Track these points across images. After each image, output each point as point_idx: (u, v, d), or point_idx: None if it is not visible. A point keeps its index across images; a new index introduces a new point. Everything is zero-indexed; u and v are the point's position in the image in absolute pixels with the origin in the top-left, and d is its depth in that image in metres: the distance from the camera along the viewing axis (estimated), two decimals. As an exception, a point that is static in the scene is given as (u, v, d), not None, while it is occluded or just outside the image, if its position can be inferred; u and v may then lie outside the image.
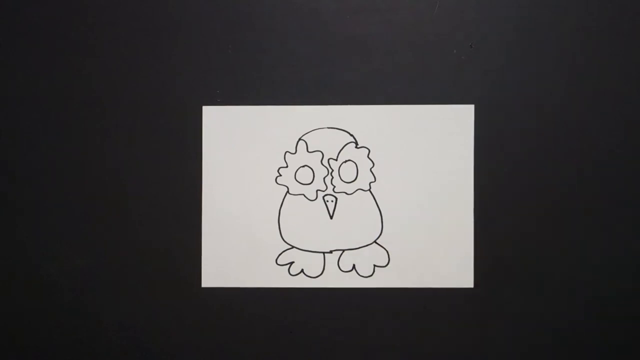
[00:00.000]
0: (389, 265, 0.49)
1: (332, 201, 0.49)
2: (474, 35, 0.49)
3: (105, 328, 0.50)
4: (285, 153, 0.49)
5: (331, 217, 0.49)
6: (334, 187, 0.49)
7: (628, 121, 0.48)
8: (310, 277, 0.49)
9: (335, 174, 0.49)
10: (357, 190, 0.49)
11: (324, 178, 0.49)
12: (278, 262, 0.50)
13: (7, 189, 0.50)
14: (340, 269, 0.49)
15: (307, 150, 0.49)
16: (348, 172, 0.49)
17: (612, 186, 0.48)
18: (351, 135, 0.49)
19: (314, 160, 0.49)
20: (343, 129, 0.49)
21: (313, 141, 0.49)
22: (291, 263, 0.49)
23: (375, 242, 0.49)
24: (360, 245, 0.49)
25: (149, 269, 0.50)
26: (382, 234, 0.49)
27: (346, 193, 0.49)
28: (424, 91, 0.49)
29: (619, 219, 0.48)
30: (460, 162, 0.49)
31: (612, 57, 0.48)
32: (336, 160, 0.49)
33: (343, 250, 0.49)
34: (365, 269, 0.49)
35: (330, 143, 0.49)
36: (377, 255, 0.49)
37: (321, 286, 0.49)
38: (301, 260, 0.49)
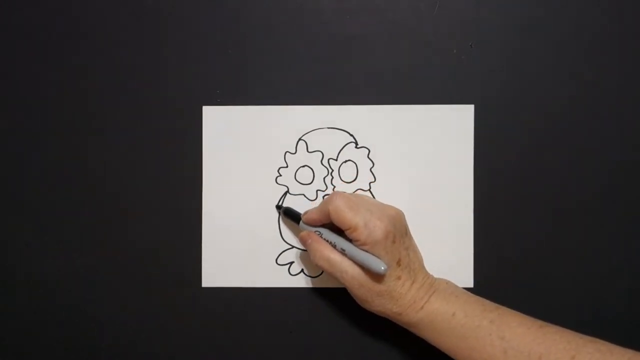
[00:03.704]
0: (389, 265, 0.49)
1: (332, 201, 0.49)
2: (474, 35, 0.49)
3: (106, 328, 0.50)
4: (285, 153, 0.49)
5: (331, 217, 0.49)
6: (334, 187, 0.49)
7: (628, 121, 0.48)
8: (310, 277, 0.49)
9: (335, 174, 0.49)
10: (357, 190, 0.49)
11: (324, 178, 0.49)
12: (278, 262, 0.50)
13: (7, 189, 0.50)
14: (340, 269, 0.49)
15: (307, 150, 0.49)
16: (348, 172, 0.49)
17: (612, 186, 0.48)
18: (351, 135, 0.49)
19: (314, 160, 0.49)
20: (343, 129, 0.49)
21: (313, 141, 0.49)
22: (291, 263, 0.49)
23: (375, 242, 0.49)
24: (360, 245, 0.49)
25: (149, 269, 0.50)
26: (382, 234, 0.49)
27: (346, 193, 0.49)
28: (424, 91, 0.49)
29: (619, 218, 0.48)
30: (460, 162, 0.49)
31: (612, 57, 0.48)
32: (336, 160, 0.49)
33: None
34: (365, 269, 0.49)
35: (330, 143, 0.49)
36: (377, 255, 0.49)
37: (321, 286, 0.49)
38: (301, 260, 0.49)
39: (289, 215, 0.48)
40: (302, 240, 0.46)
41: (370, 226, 0.41)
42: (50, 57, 0.50)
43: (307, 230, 0.46)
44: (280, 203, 0.49)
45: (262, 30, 0.49)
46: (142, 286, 0.50)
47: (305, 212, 0.46)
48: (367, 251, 0.42)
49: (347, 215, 0.42)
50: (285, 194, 0.49)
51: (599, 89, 0.48)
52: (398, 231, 0.43)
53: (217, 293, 0.50)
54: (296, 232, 0.49)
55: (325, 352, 0.49)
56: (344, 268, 0.43)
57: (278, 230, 0.49)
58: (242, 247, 0.50)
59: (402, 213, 0.45)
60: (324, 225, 0.45)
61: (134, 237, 0.50)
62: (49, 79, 0.50)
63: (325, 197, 0.49)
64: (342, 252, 0.43)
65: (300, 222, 0.47)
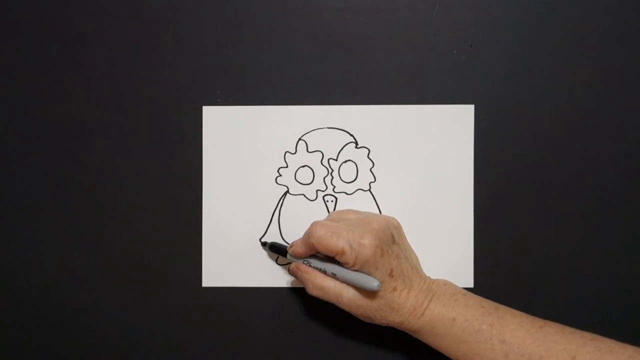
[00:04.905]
0: (389, 265, 0.49)
1: (332, 201, 0.49)
2: (474, 35, 0.49)
3: (105, 328, 0.50)
4: (285, 153, 0.49)
5: (331, 217, 0.49)
6: (334, 187, 0.49)
7: (628, 121, 0.48)
8: (310, 277, 0.49)
9: (335, 174, 0.49)
10: (357, 190, 0.49)
11: (324, 178, 0.49)
12: (278, 262, 0.50)
13: (7, 189, 0.50)
14: (340, 269, 0.49)
15: (307, 150, 0.49)
16: (348, 172, 0.49)
17: (611, 186, 0.48)
18: (351, 135, 0.49)
19: (314, 160, 0.49)
20: (343, 129, 0.49)
21: (313, 141, 0.49)
22: (291, 263, 0.49)
23: (375, 242, 0.49)
24: (360, 245, 0.49)
25: (149, 269, 0.50)
26: (382, 234, 0.49)
27: (346, 193, 0.49)
28: (424, 91, 0.49)
29: (619, 218, 0.48)
30: (460, 162, 0.49)
31: (612, 57, 0.48)
32: (336, 160, 0.49)
33: (343, 250, 0.49)
34: (365, 269, 0.49)
35: (330, 143, 0.49)
36: (377, 255, 0.49)
37: (321, 286, 0.49)
38: (301, 260, 0.50)
39: (275, 250, 0.48)
40: (293, 273, 0.46)
41: (355, 247, 0.41)
42: (50, 57, 0.50)
43: (295, 262, 0.46)
44: (263, 239, 0.49)
45: (262, 30, 0.49)
46: (142, 286, 0.50)
47: (291, 245, 0.46)
48: (358, 270, 0.42)
49: (330, 243, 0.42)
50: (285, 194, 0.50)
51: (599, 89, 0.48)
52: (385, 243, 0.42)
53: (217, 293, 0.50)
54: (285, 262, 0.50)
55: (325, 352, 0.49)
56: (338, 292, 0.43)
57: (278, 230, 0.49)
58: (242, 247, 0.50)
59: (388, 221, 0.44)
60: (311, 255, 0.45)
61: (134, 237, 0.50)
62: (49, 79, 0.50)
63: (326, 197, 0.49)
64: (334, 276, 0.43)
65: (288, 254, 0.46)
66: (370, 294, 0.42)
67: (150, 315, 0.50)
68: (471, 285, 0.48)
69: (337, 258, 0.42)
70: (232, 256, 0.50)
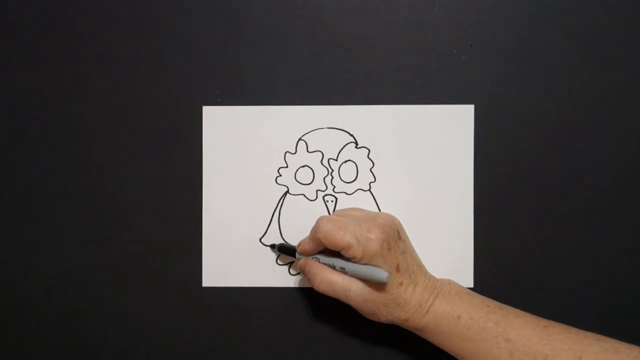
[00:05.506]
0: (389, 265, 0.49)
1: (332, 201, 0.50)
2: (474, 35, 0.49)
3: (105, 328, 0.50)
4: (285, 153, 0.49)
5: (331, 217, 0.49)
6: (334, 187, 0.49)
7: (628, 121, 0.48)
8: (310, 277, 0.49)
9: (335, 174, 0.49)
10: (357, 190, 0.49)
11: (324, 178, 0.49)
12: (278, 262, 0.50)
13: (7, 189, 0.50)
14: (340, 269, 0.49)
15: (307, 150, 0.49)
16: (348, 172, 0.49)
17: (611, 186, 0.48)
18: (351, 135, 0.49)
19: (314, 160, 0.49)
20: (343, 129, 0.49)
21: (313, 141, 0.49)
22: (291, 263, 0.49)
23: (375, 242, 0.49)
24: (360, 245, 0.49)
25: (149, 269, 0.50)
26: (382, 234, 0.49)
27: (346, 193, 0.49)
28: (424, 91, 0.49)
29: (619, 218, 0.48)
30: (460, 162, 0.49)
31: (612, 58, 0.48)
32: (336, 160, 0.49)
33: (343, 250, 0.49)
34: (365, 269, 0.49)
35: (330, 143, 0.49)
36: (377, 255, 0.49)
37: (321, 286, 0.49)
38: (301, 260, 0.50)
39: (284, 251, 0.48)
40: (301, 269, 0.46)
41: (363, 241, 0.41)
42: (51, 57, 0.50)
43: (304, 259, 0.46)
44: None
45: (262, 30, 0.49)
46: (142, 286, 0.50)
47: (299, 244, 0.46)
48: (366, 264, 0.42)
49: (337, 237, 0.42)
50: (285, 194, 0.50)
51: (599, 89, 0.48)
52: (391, 237, 0.42)
53: (217, 293, 0.50)
54: (286, 261, 0.50)
55: (325, 352, 0.49)
56: (347, 286, 0.43)
57: (278, 230, 0.49)
58: (242, 246, 0.50)
59: (392, 218, 0.45)
60: (319, 252, 0.45)
61: (134, 237, 0.50)
62: (49, 79, 0.50)
63: (326, 197, 0.49)
64: (342, 270, 0.43)
65: (296, 253, 0.47)
66: (378, 287, 0.42)
67: (150, 315, 0.50)
68: (471, 285, 0.48)
69: (343, 252, 0.42)
70: (232, 256, 0.50)
